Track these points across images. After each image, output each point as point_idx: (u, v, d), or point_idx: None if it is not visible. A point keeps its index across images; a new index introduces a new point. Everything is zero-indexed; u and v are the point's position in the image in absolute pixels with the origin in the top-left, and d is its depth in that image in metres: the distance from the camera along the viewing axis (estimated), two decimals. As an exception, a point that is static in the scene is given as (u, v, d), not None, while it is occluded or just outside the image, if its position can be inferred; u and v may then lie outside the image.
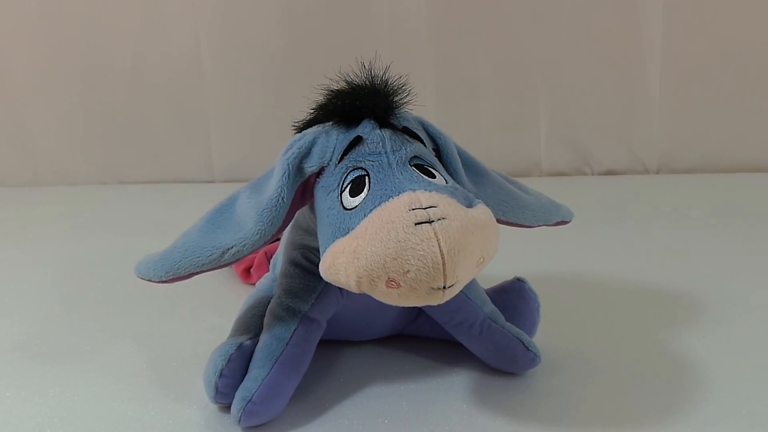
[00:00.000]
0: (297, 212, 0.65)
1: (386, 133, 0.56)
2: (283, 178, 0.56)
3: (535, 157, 1.35)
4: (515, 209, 0.64)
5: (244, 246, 0.57)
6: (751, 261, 0.90)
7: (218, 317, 0.78)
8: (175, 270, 0.59)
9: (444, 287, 0.49)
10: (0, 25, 1.34)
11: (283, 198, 0.56)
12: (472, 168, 0.63)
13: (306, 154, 0.57)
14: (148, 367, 0.68)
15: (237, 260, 0.58)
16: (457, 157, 0.61)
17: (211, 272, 0.89)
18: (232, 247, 0.57)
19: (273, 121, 1.26)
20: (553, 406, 0.60)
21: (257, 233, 0.57)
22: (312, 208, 0.59)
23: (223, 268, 0.91)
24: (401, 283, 0.49)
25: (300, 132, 0.60)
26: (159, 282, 0.60)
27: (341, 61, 0.58)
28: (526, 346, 0.63)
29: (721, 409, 0.59)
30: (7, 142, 1.40)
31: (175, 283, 0.60)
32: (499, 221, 0.61)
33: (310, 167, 0.57)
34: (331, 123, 0.58)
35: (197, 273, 0.59)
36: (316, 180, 0.57)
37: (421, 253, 0.48)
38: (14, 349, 0.73)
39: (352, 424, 0.58)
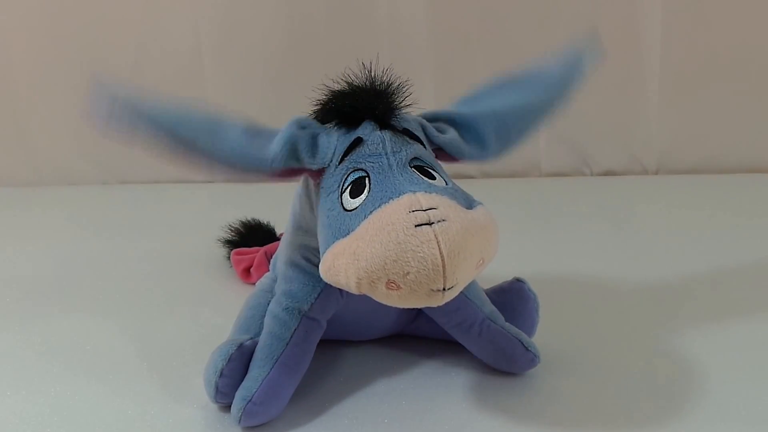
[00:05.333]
0: (297, 212, 0.65)
1: (387, 134, 0.56)
2: (282, 150, 0.56)
3: (535, 158, 1.35)
4: (529, 122, 0.64)
5: (215, 153, 0.57)
6: (750, 261, 0.91)
7: (218, 317, 0.78)
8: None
9: (444, 289, 0.49)
10: (1, 24, 1.34)
11: (274, 163, 0.56)
12: (490, 128, 0.62)
13: (308, 146, 0.57)
14: (148, 367, 0.69)
15: (196, 164, 0.58)
16: (462, 145, 0.61)
17: (211, 272, 0.91)
18: (204, 145, 0.57)
19: (273, 121, 1.26)
20: (552, 406, 0.60)
21: (235, 159, 0.57)
22: (312, 209, 0.59)
23: (222, 267, 0.92)
24: (401, 285, 0.49)
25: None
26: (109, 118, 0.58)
27: (342, 63, 0.58)
28: (525, 347, 0.63)
29: (720, 410, 0.59)
30: (8, 142, 1.40)
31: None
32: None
33: (309, 163, 0.57)
34: (331, 124, 0.58)
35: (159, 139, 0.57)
36: (317, 174, 0.57)
37: (421, 255, 0.48)
38: (14, 349, 0.73)
39: (352, 424, 0.58)
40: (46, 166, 1.41)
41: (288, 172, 0.58)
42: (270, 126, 0.60)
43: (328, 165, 0.57)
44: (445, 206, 0.50)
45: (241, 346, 0.60)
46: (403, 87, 0.59)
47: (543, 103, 0.65)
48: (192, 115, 0.59)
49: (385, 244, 0.49)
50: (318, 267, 0.55)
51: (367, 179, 0.54)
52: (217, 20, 1.32)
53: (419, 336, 0.70)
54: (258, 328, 0.62)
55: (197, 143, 0.57)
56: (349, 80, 0.58)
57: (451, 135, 0.61)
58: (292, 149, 0.56)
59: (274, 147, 0.56)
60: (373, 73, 0.58)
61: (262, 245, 0.87)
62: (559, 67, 0.66)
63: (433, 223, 0.49)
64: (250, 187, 1.33)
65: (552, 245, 1.00)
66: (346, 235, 0.52)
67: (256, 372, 0.58)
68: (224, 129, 0.57)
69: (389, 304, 0.52)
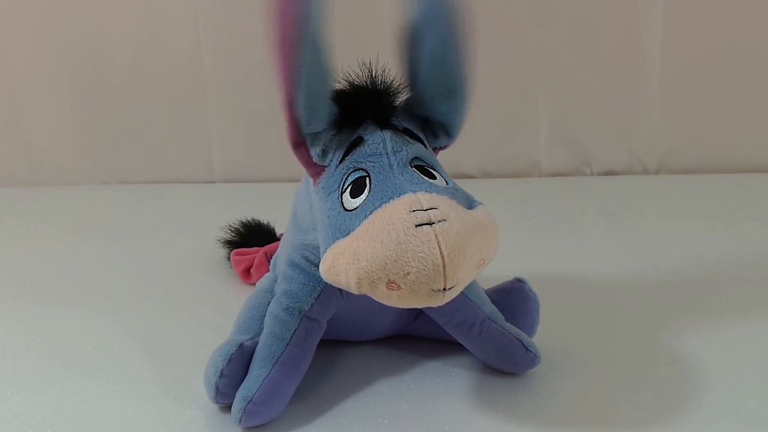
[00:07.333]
0: (297, 212, 0.65)
1: (387, 134, 0.56)
2: None
3: (535, 158, 1.35)
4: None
5: None
6: (751, 261, 0.90)
7: (218, 317, 0.78)
8: None
9: (444, 289, 0.49)
10: (2, 26, 1.34)
11: None
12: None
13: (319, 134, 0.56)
14: (148, 367, 0.69)
15: None
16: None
17: (211, 272, 0.91)
18: None
19: (273, 121, 1.26)
20: (552, 406, 0.60)
21: None
22: (312, 209, 0.59)
23: (223, 267, 0.92)
24: (401, 285, 0.49)
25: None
26: None
27: (342, 62, 0.58)
28: (525, 347, 0.63)
29: (720, 409, 0.59)
30: (7, 142, 1.40)
31: None
32: None
33: (315, 150, 0.56)
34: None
35: None
36: (316, 182, 0.57)
37: (422, 255, 0.48)
38: (14, 349, 0.73)
39: (352, 424, 0.58)
40: (46, 166, 1.41)
41: (302, 144, 0.56)
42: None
43: (329, 165, 0.57)
44: (445, 206, 0.50)
45: (241, 346, 0.60)
46: (404, 86, 0.58)
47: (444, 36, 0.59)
48: None
49: (385, 244, 0.49)
50: (318, 267, 0.54)
51: (367, 179, 0.54)
52: (216, 18, 1.32)
53: (419, 336, 0.70)
54: (258, 328, 0.62)
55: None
56: (350, 79, 0.58)
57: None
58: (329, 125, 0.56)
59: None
60: (373, 73, 0.58)
61: (262, 245, 0.87)
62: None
63: (433, 223, 0.49)
64: (250, 187, 1.33)
65: (552, 245, 0.99)
66: (346, 235, 0.52)
67: (257, 372, 0.58)
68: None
69: (389, 304, 0.52)
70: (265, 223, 0.94)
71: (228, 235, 0.92)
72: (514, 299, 0.67)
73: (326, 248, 0.53)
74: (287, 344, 0.60)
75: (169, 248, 1.01)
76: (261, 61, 1.35)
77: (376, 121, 0.57)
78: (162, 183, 1.38)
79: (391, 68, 0.58)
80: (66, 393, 0.64)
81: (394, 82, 0.58)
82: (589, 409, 0.60)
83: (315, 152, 0.56)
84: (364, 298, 0.53)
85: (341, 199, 0.54)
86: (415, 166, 0.55)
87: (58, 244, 1.06)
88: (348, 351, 0.69)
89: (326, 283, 0.57)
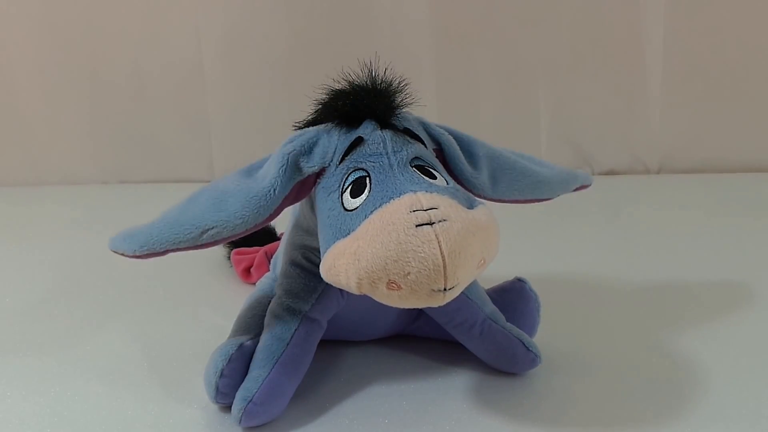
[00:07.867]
0: (297, 212, 0.65)
1: (387, 134, 0.56)
2: (280, 171, 0.56)
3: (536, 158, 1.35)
4: (531, 187, 0.65)
5: (224, 228, 0.56)
6: (751, 261, 0.90)
7: (218, 317, 0.78)
8: (150, 245, 0.58)
9: (444, 289, 0.49)
10: (2, 26, 1.34)
11: (275, 191, 0.55)
12: (483, 152, 0.63)
13: (306, 152, 0.57)
14: (149, 367, 0.68)
15: (216, 242, 0.57)
16: (461, 154, 0.61)
17: (211, 272, 0.91)
18: (212, 228, 0.56)
19: (274, 121, 1.26)
20: (553, 406, 0.60)
21: (240, 218, 0.55)
22: (312, 209, 0.59)
23: (223, 267, 0.92)
24: (402, 285, 0.49)
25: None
26: (133, 256, 0.59)
27: (342, 62, 0.58)
28: (526, 347, 0.63)
29: (721, 409, 0.59)
30: (9, 142, 1.41)
31: (150, 259, 0.59)
32: (517, 201, 0.63)
33: (310, 167, 0.56)
34: (332, 123, 0.58)
35: (174, 250, 0.58)
36: (315, 180, 0.57)
37: (422, 255, 0.48)
38: (14, 348, 0.73)
39: (353, 423, 0.58)
40: (46, 166, 1.41)
41: (296, 191, 0.57)
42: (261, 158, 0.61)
43: (329, 165, 0.57)
44: (446, 206, 0.50)
45: (241, 346, 0.59)
46: (404, 86, 0.58)
47: (544, 175, 0.68)
48: (196, 204, 0.59)
49: (385, 244, 0.48)
50: (318, 267, 0.54)
51: (367, 179, 0.54)
52: (218, 21, 1.32)
53: (419, 336, 0.70)
54: (258, 328, 0.62)
55: (212, 227, 0.56)
56: (350, 79, 0.57)
57: (451, 139, 0.61)
58: (287, 168, 0.56)
59: (267, 176, 0.56)
60: (374, 73, 0.57)
61: (262, 245, 0.87)
62: (559, 168, 0.72)
63: (434, 222, 0.49)
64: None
65: (553, 245, 0.99)
66: (346, 235, 0.51)
67: (257, 372, 0.58)
68: (225, 195, 0.57)
69: (390, 304, 0.52)
70: (266, 222, 0.94)
71: (228, 235, 0.92)
72: (514, 299, 0.67)
73: (326, 248, 0.53)
74: (287, 344, 0.59)
75: (169, 248, 1.01)
76: (262, 62, 1.36)
77: (376, 120, 0.57)
78: (162, 183, 1.38)
79: (391, 68, 0.58)
80: (66, 393, 0.64)
81: (394, 82, 0.58)
82: (589, 409, 0.60)
83: (307, 169, 0.56)
84: (365, 299, 0.53)
85: (341, 199, 0.54)
86: (416, 166, 0.55)
87: (58, 244, 1.06)
88: (348, 351, 0.69)
89: (326, 283, 0.57)
